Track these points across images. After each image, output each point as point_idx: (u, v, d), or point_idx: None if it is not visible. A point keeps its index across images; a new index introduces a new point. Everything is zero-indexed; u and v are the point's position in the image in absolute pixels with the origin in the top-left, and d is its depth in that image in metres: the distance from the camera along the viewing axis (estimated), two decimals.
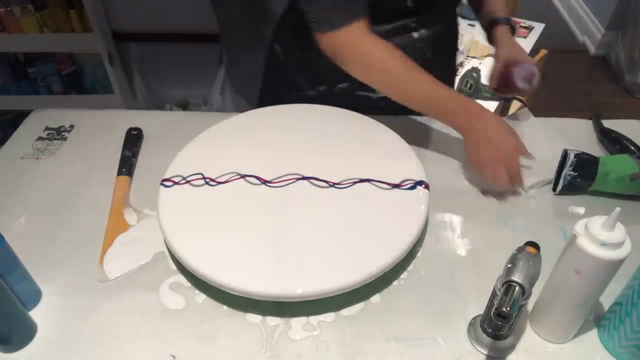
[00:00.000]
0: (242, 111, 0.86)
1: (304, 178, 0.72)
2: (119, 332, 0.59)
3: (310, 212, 0.67)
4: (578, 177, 0.74)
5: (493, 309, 0.50)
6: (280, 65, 0.94)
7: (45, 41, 1.83)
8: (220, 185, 0.71)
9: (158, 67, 2.05)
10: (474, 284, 0.63)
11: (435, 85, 0.76)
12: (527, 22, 1.90)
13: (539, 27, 1.88)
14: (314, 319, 0.60)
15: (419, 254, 0.68)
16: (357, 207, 0.68)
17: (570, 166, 0.74)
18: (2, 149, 0.87)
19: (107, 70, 1.91)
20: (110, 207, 0.74)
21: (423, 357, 0.56)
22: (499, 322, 0.49)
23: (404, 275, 0.65)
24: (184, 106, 2.14)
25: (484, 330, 0.56)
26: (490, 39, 0.92)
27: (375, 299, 0.62)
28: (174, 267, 0.66)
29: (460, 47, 1.68)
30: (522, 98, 1.01)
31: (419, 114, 0.83)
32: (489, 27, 0.92)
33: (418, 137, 0.85)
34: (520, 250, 0.52)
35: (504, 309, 0.48)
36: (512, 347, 0.57)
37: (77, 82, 2.01)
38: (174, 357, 0.56)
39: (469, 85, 1.58)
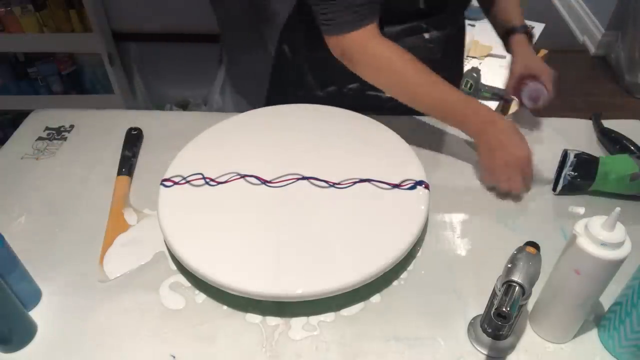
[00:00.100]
0: (242, 111, 0.86)
1: (304, 178, 0.72)
2: (119, 332, 0.59)
3: (310, 212, 0.67)
4: (578, 177, 0.74)
5: (493, 309, 0.50)
6: (289, 66, 0.94)
7: (45, 41, 1.83)
8: (220, 185, 0.71)
9: (158, 67, 2.05)
10: (474, 284, 0.63)
11: (445, 89, 0.76)
12: (527, 22, 1.90)
13: (539, 27, 1.88)
14: (314, 319, 0.60)
15: (419, 254, 0.68)
16: (357, 207, 0.68)
17: (570, 166, 0.73)
18: (2, 149, 0.87)
19: (107, 70, 1.91)
20: (110, 207, 0.74)
21: (423, 357, 0.56)
22: (499, 322, 0.49)
23: (404, 275, 0.65)
24: (184, 106, 2.14)
25: (484, 330, 0.56)
26: (507, 48, 0.91)
27: (375, 299, 0.62)
28: (174, 267, 0.66)
29: None
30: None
31: (423, 114, 0.83)
32: (505, 36, 0.91)
33: (418, 137, 0.85)
34: (520, 250, 0.52)
35: (504, 309, 0.48)
36: (512, 347, 0.57)
37: (77, 82, 2.01)
38: (174, 357, 0.56)
39: (469, 85, 1.58)
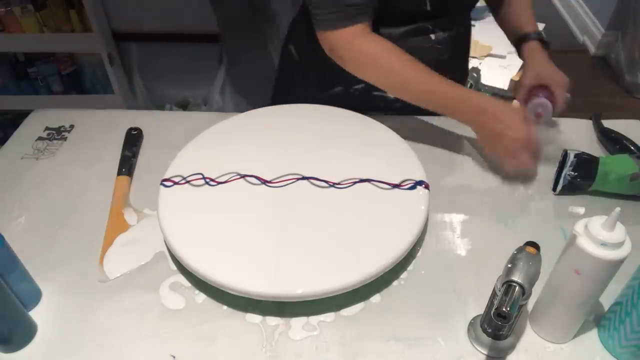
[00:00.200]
0: (242, 111, 0.86)
1: (304, 178, 0.72)
2: (119, 332, 0.59)
3: (310, 212, 0.67)
4: (578, 177, 0.74)
5: (493, 309, 0.50)
6: (295, 66, 0.94)
7: (45, 41, 1.83)
8: (220, 185, 0.71)
9: (158, 67, 2.05)
10: (474, 284, 0.63)
11: (434, 80, 0.76)
12: None
13: (539, 27, 1.88)
14: (314, 319, 0.60)
15: (419, 254, 0.68)
16: (357, 207, 0.68)
17: (570, 166, 0.73)
18: (2, 149, 0.87)
19: (107, 70, 1.91)
20: (110, 207, 0.74)
21: (423, 357, 0.56)
22: (499, 322, 0.49)
23: (404, 275, 0.65)
24: (184, 106, 2.14)
25: (484, 330, 0.56)
26: (520, 56, 0.90)
27: (375, 299, 0.62)
28: (174, 267, 0.66)
29: None
30: None
31: (433, 113, 0.83)
32: (517, 43, 0.89)
33: (418, 137, 0.85)
34: (520, 250, 0.52)
35: (504, 309, 0.48)
36: (512, 347, 0.57)
37: (77, 82, 2.01)
38: (174, 357, 0.56)
39: (469, 85, 1.58)
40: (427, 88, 0.76)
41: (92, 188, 0.78)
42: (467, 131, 0.86)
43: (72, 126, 0.91)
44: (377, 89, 0.81)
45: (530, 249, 0.52)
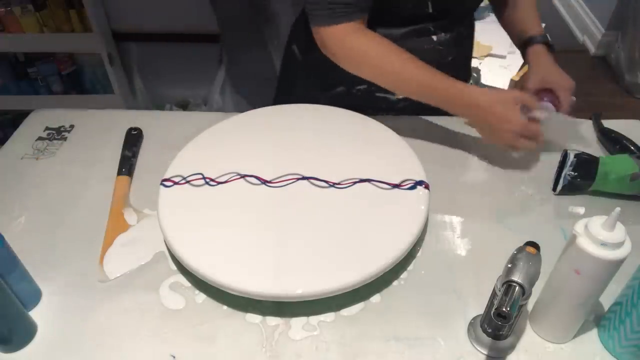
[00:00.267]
0: (242, 111, 0.86)
1: (304, 178, 0.72)
2: (119, 332, 0.59)
3: (310, 212, 0.67)
4: (578, 177, 0.74)
5: (493, 309, 0.50)
6: (298, 66, 0.94)
7: (45, 41, 1.83)
8: (220, 185, 0.71)
9: (158, 67, 2.05)
10: (474, 284, 0.63)
11: (427, 74, 0.76)
12: None
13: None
14: (314, 319, 0.60)
15: (419, 254, 0.68)
16: (357, 207, 0.68)
17: (570, 166, 0.73)
18: (2, 149, 0.87)
19: (107, 70, 1.91)
20: (110, 207, 0.74)
21: (423, 357, 0.56)
22: (499, 322, 0.49)
23: (404, 275, 0.65)
24: (184, 106, 2.14)
25: (484, 330, 0.56)
26: (525, 59, 0.89)
27: (375, 299, 0.62)
28: (174, 267, 0.66)
29: None
30: None
31: (434, 113, 0.83)
32: (522, 47, 0.89)
33: (418, 137, 0.85)
34: (520, 250, 0.52)
35: (504, 309, 0.48)
36: (512, 347, 0.57)
37: (77, 82, 2.01)
38: (174, 357, 0.56)
39: None
40: (419, 82, 0.77)
41: (92, 188, 0.78)
42: (467, 131, 0.86)
43: (72, 126, 0.91)
44: (380, 90, 0.81)
45: (530, 249, 0.52)
